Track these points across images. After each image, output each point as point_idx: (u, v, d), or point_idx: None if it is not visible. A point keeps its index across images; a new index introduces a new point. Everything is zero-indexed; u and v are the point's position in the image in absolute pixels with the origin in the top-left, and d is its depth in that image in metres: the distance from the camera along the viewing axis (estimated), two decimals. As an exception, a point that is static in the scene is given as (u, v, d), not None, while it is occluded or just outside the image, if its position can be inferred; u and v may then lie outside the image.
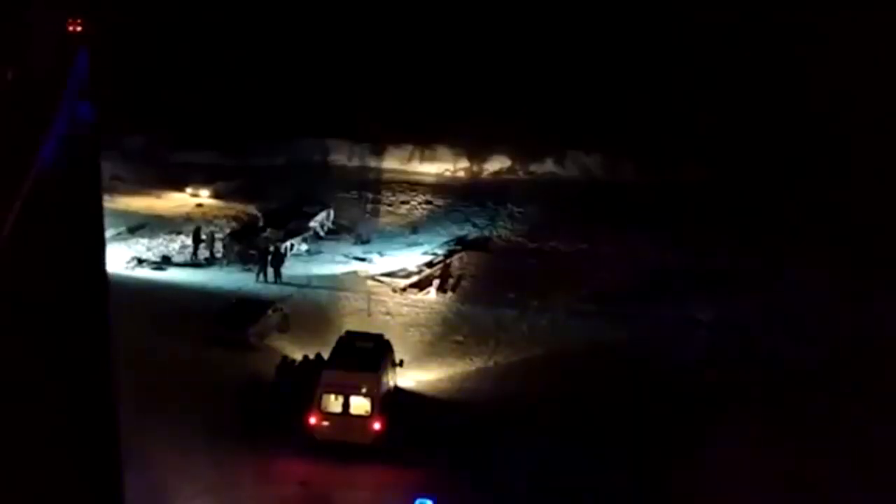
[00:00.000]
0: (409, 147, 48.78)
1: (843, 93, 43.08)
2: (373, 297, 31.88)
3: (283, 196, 41.49)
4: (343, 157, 49.08)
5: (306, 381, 23.47)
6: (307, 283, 33.19)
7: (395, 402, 23.82)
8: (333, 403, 22.43)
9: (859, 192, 39.19)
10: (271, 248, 34.09)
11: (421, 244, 38.23)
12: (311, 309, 30.80)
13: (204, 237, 35.85)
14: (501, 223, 41.20)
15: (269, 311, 28.98)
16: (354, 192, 43.93)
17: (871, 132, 41.63)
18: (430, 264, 35.26)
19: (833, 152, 41.71)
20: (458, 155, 48.60)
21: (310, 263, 35.68)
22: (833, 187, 40.04)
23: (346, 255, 36.76)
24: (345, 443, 21.98)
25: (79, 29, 48.02)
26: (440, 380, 26.58)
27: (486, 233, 40.13)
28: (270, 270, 33.22)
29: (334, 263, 35.89)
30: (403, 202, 43.58)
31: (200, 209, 41.40)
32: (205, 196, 42.86)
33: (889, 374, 26.63)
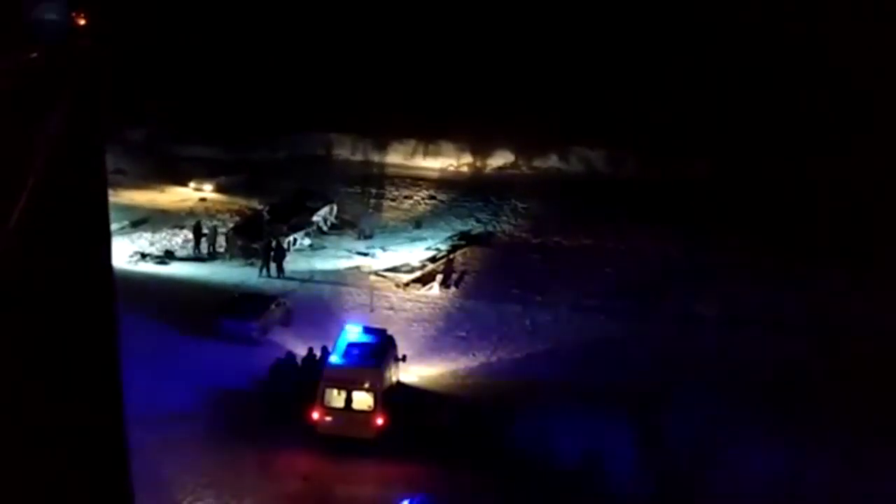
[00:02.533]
0: (413, 142, 48.75)
1: (846, 89, 42.96)
2: (376, 292, 31.87)
3: (286, 191, 41.44)
4: (346, 151, 49.07)
5: (310, 375, 23.51)
6: (310, 278, 33.20)
7: (397, 398, 23.82)
8: (336, 398, 22.44)
9: (862, 189, 39.14)
10: (274, 243, 34.07)
11: (424, 239, 38.20)
12: (313, 304, 30.79)
13: (206, 231, 35.85)
14: (505, 218, 41.17)
15: (272, 306, 28.98)
16: (357, 187, 43.90)
17: (874, 129, 41.53)
18: (433, 259, 35.23)
19: (836, 149, 41.60)
20: (461, 150, 48.57)
21: (313, 258, 35.67)
22: (837, 184, 39.97)
23: (348, 250, 36.73)
24: (347, 437, 22.00)
25: (82, 22, 48.03)
26: (443, 375, 26.58)
27: (490, 228, 40.10)
28: (273, 265, 33.22)
29: (337, 258, 35.87)
30: (407, 197, 43.55)
31: (203, 203, 41.40)
32: (208, 190, 42.87)
33: (892, 371, 26.63)
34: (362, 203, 42.21)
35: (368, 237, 38.18)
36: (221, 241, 35.81)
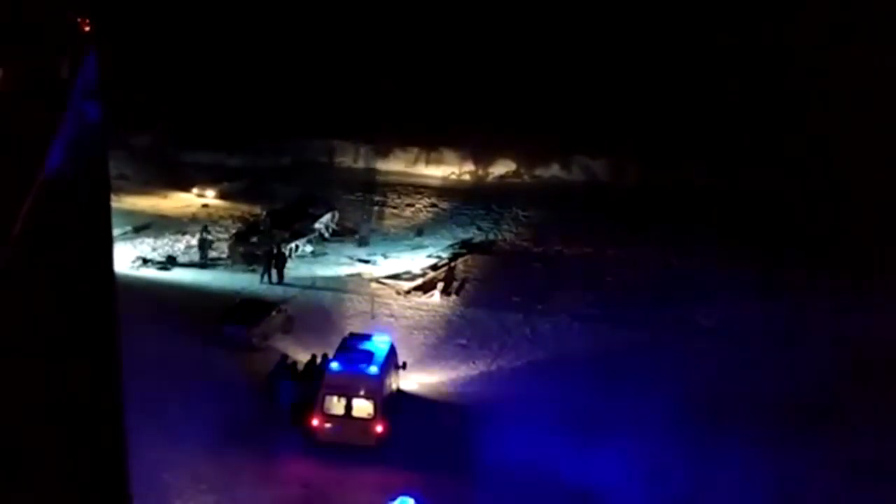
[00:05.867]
0: (415, 150, 48.84)
1: (847, 97, 43.02)
2: (376, 299, 31.91)
3: (288, 197, 41.56)
4: (349, 158, 49.18)
5: (311, 382, 23.55)
6: (311, 285, 33.26)
7: (397, 405, 23.85)
8: (336, 405, 22.48)
9: (863, 198, 39.20)
10: (275, 250, 34.13)
11: (425, 247, 38.24)
12: (314, 310, 30.84)
13: (201, 238, 35.92)
14: (506, 227, 41.21)
15: (273, 313, 29.03)
16: (359, 194, 43.97)
17: (876, 137, 41.58)
18: (434, 267, 35.27)
19: (838, 157, 41.64)
20: (463, 158, 48.64)
21: (314, 265, 35.73)
22: (837, 192, 40.03)
23: (350, 257, 36.80)
24: (347, 445, 22.02)
25: (86, 28, 48.17)
26: (443, 383, 26.59)
27: (491, 236, 40.13)
28: (274, 271, 33.27)
29: (338, 265, 35.92)
30: (408, 205, 43.62)
31: (206, 209, 41.50)
32: (211, 196, 42.97)
33: (891, 380, 26.65)
34: (362, 210, 42.24)
35: (364, 244, 38.12)
36: (224, 248, 35.89)
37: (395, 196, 44.42)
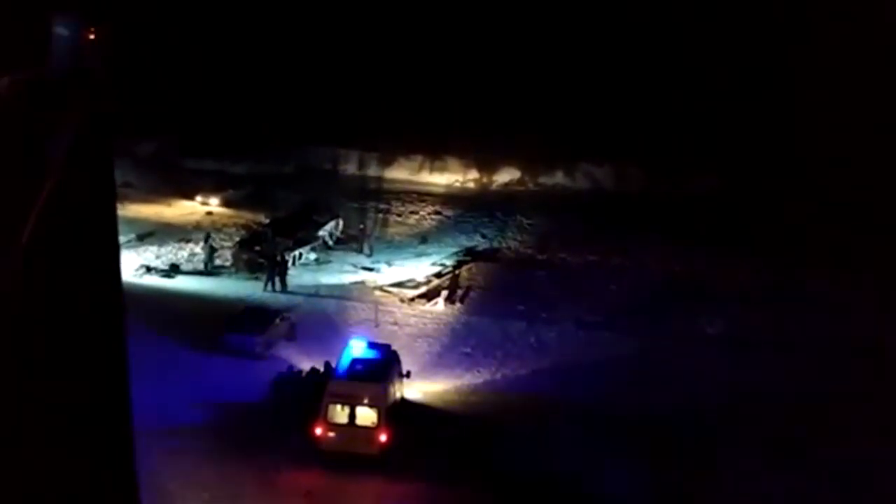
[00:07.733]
0: (419, 157, 48.94)
1: (849, 104, 43.01)
2: (380, 307, 31.89)
3: (292, 204, 41.60)
4: (353, 166, 49.29)
5: (313, 391, 23.51)
6: (315, 293, 33.24)
7: (401, 414, 23.80)
8: (340, 414, 22.42)
9: (867, 205, 39.15)
10: (278, 257, 34.15)
11: (430, 255, 38.24)
12: (318, 318, 30.81)
13: (200, 248, 35.94)
14: (510, 234, 41.21)
15: (277, 320, 29.02)
16: (363, 202, 44.00)
17: (876, 143, 41.56)
18: (438, 275, 35.26)
19: (840, 164, 41.61)
20: (467, 166, 48.72)
21: (318, 272, 35.73)
22: (842, 200, 39.99)
23: (354, 265, 36.79)
24: (350, 454, 21.96)
25: (92, 36, 48.32)
26: (447, 391, 26.56)
27: (495, 244, 40.14)
28: (278, 279, 33.27)
29: (342, 273, 35.92)
30: (412, 212, 43.64)
31: (210, 217, 41.55)
32: (214, 204, 43.02)
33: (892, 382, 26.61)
34: (366, 218, 42.25)
35: (369, 251, 38.08)
36: (228, 255, 35.90)
37: (399, 204, 44.46)
